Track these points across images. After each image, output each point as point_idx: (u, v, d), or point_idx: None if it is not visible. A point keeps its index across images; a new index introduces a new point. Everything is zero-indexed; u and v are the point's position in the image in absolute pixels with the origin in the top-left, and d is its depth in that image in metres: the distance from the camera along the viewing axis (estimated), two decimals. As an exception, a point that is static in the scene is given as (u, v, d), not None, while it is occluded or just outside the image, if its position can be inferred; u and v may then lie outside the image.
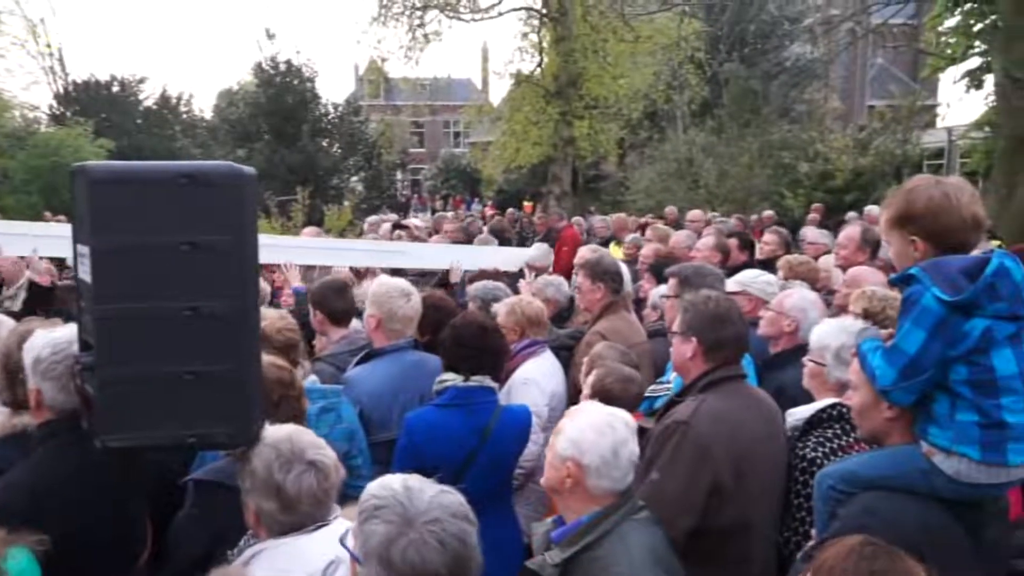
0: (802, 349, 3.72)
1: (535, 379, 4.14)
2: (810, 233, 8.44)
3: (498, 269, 6.67)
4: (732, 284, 4.49)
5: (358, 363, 3.90)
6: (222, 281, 2.09)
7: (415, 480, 1.84)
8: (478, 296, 4.99)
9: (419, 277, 6.48)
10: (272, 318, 3.58)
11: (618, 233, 10.22)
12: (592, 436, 2.41)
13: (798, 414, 3.06)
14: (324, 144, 31.16)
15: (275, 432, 2.28)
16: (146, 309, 2.05)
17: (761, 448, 2.86)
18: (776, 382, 3.73)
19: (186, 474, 2.63)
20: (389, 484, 1.82)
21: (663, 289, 4.62)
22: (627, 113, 24.17)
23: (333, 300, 4.33)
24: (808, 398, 3.17)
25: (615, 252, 9.06)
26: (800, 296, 4.11)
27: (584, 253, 5.91)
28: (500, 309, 4.42)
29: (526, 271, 6.29)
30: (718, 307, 3.00)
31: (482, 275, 6.00)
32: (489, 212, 24.15)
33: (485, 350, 3.47)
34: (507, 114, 25.97)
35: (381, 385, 3.75)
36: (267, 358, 2.77)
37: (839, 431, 2.96)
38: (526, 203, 30.94)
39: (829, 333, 3.10)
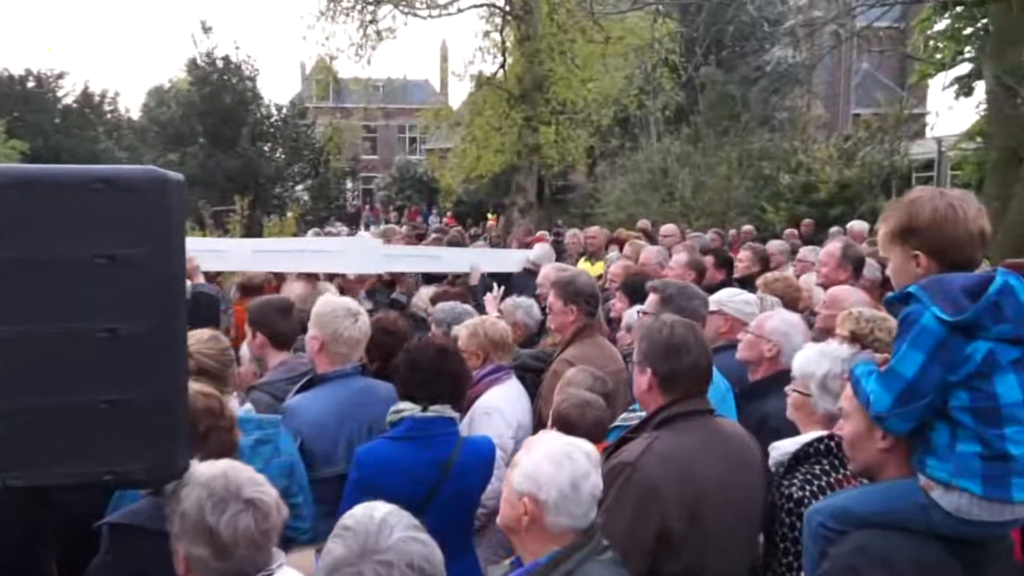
0: (785, 375, 3.71)
1: (499, 408, 4.13)
2: (802, 250, 8.51)
3: (466, 285, 6.77)
4: (710, 303, 4.50)
5: (299, 390, 3.87)
6: (143, 299, 2.06)
7: (396, 516, 1.94)
8: (442, 319, 4.96)
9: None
10: (200, 338, 3.54)
11: (596, 249, 10.22)
12: (549, 469, 2.39)
13: (783, 448, 3.05)
14: (266, 149, 31.19)
15: (207, 468, 2.25)
16: (54, 331, 2.01)
17: (722, 491, 2.83)
18: (757, 412, 3.71)
19: (102, 516, 2.56)
20: (371, 510, 1.96)
21: (640, 308, 4.65)
22: (597, 119, 24.34)
23: (277, 321, 4.30)
24: (794, 430, 3.16)
25: (589, 269, 9.03)
26: (781, 318, 4.13)
27: (550, 273, 6.00)
28: (461, 332, 4.42)
29: (494, 287, 6.31)
30: (672, 335, 2.96)
31: (445, 294, 6.02)
32: (448, 224, 24.25)
33: (444, 376, 3.46)
34: (467, 119, 25.98)
35: (324, 414, 3.71)
36: (193, 385, 2.71)
37: (827, 467, 2.95)
38: (490, 216, 31.06)
39: (812, 359, 3.10)
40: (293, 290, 6.01)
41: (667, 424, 2.91)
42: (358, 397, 3.80)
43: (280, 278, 6.60)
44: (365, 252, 6.98)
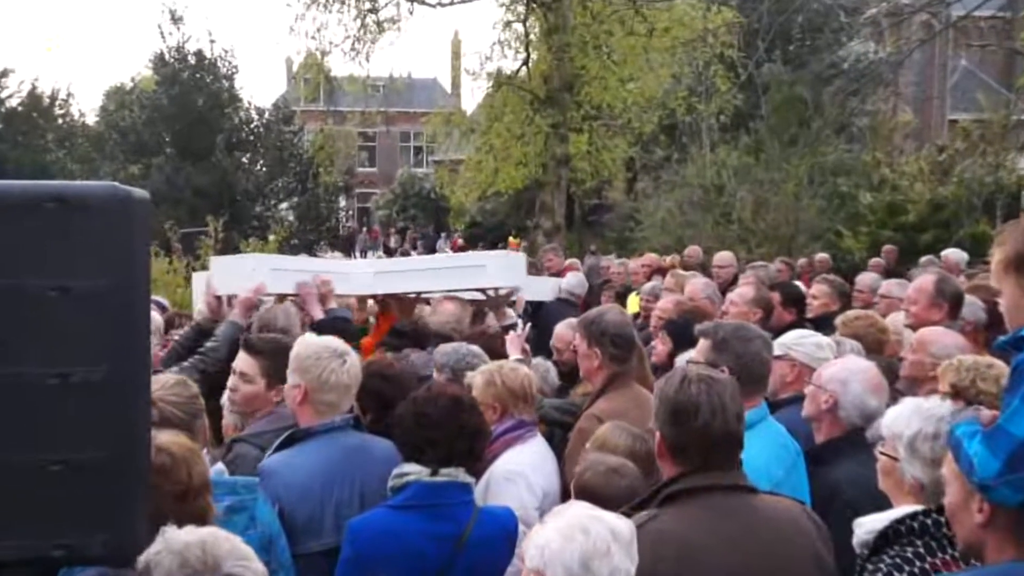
0: (857, 435, 3.71)
1: (521, 472, 4.13)
2: (886, 284, 8.41)
3: (485, 326, 6.80)
4: (775, 347, 4.46)
5: (279, 447, 3.89)
6: (102, 339, 2.06)
7: None
8: (446, 364, 4.95)
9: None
10: (163, 383, 3.57)
11: (639, 280, 10.35)
12: (558, 544, 2.40)
13: (868, 525, 3.00)
14: (244, 160, 31.60)
15: (185, 535, 2.24)
16: (-6, 376, 2.01)
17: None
18: (827, 482, 3.69)
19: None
20: None
21: (690, 356, 4.55)
22: (638, 126, 24.45)
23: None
24: (873, 502, 3.14)
25: (634, 306, 9.06)
26: (842, 364, 4.12)
27: (565, 331, 5.95)
28: (476, 380, 4.43)
29: (519, 324, 6.32)
30: (680, 392, 2.96)
31: (481, 335, 5.98)
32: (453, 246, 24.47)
33: (458, 434, 3.46)
34: (483, 125, 26.09)
35: (309, 477, 3.72)
36: (163, 436, 2.69)
37: (923, 549, 2.88)
38: (511, 240, 31.27)
39: (902, 416, 3.07)
40: (445, 311, 6.30)
41: (672, 501, 2.91)
42: (350, 456, 3.81)
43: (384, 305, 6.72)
44: (510, 267, 7.10)
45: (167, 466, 2.72)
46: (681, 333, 5.31)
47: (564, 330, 5.93)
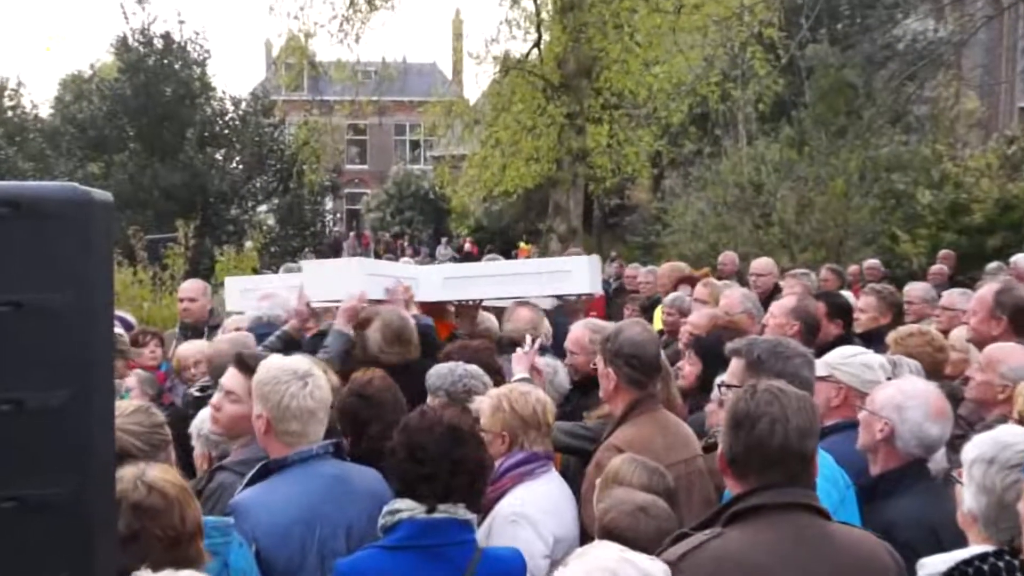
0: (918, 468, 3.75)
1: (529, 515, 4.11)
2: (948, 294, 8.48)
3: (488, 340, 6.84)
4: (819, 366, 4.43)
5: (253, 479, 3.92)
6: (59, 360, 2.07)
7: None
8: (440, 387, 4.94)
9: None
10: (122, 411, 3.59)
11: (667, 290, 10.19)
12: None
13: (931, 567, 3.03)
14: (218, 157, 31.57)
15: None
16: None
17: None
18: (880, 520, 3.68)
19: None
20: None
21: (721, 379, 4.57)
22: (665, 116, 24.13)
23: None
24: (936, 542, 3.17)
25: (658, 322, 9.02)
26: (897, 387, 4.12)
27: (581, 331, 5.82)
28: (483, 405, 4.44)
29: (527, 338, 6.25)
30: (744, 403, 3.05)
31: (464, 348, 5.89)
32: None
33: (457, 468, 3.48)
34: (489, 116, 25.97)
35: (287, 514, 3.75)
36: (155, 472, 2.77)
37: (994, 594, 2.90)
38: (521, 247, 31.42)
39: (975, 440, 3.11)
40: (521, 318, 6.70)
41: (738, 519, 2.96)
42: (332, 489, 3.86)
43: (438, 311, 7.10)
44: (593, 271, 7.45)
45: (159, 508, 2.76)
46: (712, 352, 5.26)
47: (579, 331, 5.89)
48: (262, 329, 6.60)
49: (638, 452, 4.16)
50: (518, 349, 5.73)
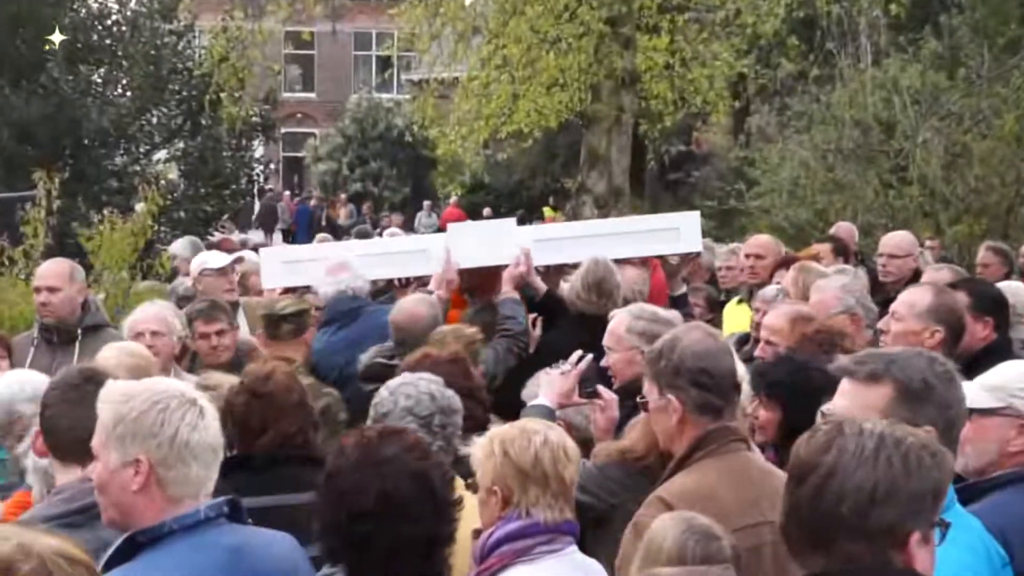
0: None
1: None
2: None
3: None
4: (981, 393, 4.17)
5: (112, 560, 3.49)
6: None
7: None
8: (388, 410, 4.75)
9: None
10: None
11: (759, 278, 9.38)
12: None
13: None
14: (97, 80, 28.56)
15: None
16: None
17: None
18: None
19: None
20: None
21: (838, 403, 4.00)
22: (753, 23, 21.35)
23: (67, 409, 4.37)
24: None
25: (739, 317, 8.74)
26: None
27: (624, 321, 5.90)
28: (476, 453, 4.22)
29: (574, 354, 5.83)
30: (807, 449, 2.83)
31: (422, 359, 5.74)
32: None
33: (405, 543, 3.45)
34: (494, 22, 22.72)
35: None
36: (50, 540, 2.45)
37: None
38: (547, 214, 29.31)
39: None
40: (629, 277, 7.32)
41: None
42: (230, 568, 3.55)
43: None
44: (697, 229, 8.39)
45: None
46: (797, 388, 5.04)
47: (622, 318, 5.82)
48: (347, 304, 7.26)
49: (694, 509, 3.86)
50: (552, 367, 5.66)
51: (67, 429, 4.11)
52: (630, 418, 5.28)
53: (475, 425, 4.90)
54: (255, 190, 36.39)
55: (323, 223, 37.23)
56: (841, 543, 2.72)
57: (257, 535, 3.76)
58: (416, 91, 33.20)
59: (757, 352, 6.53)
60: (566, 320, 7.17)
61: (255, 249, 14.10)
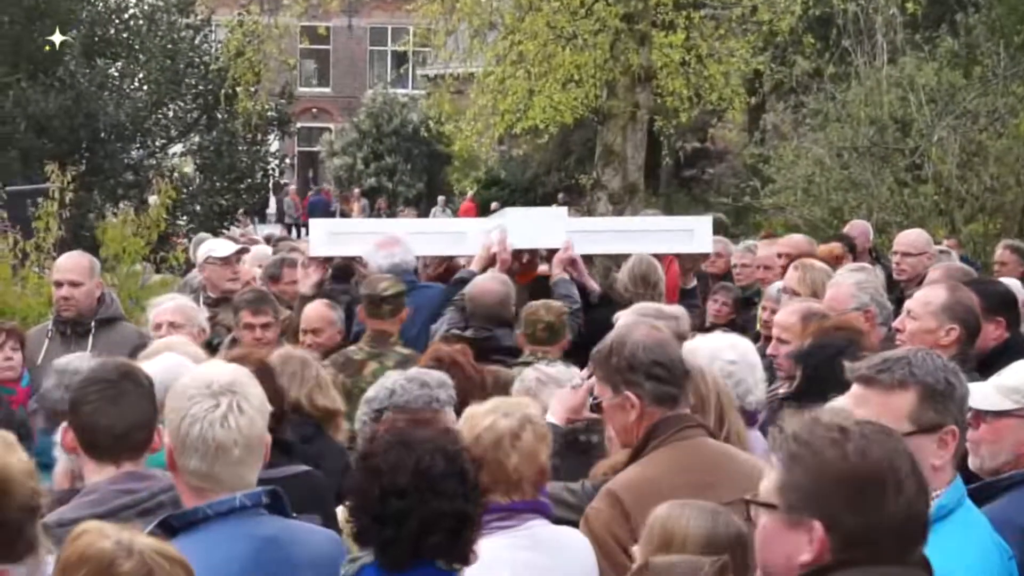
0: None
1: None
2: None
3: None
4: (995, 395, 4.21)
5: None
6: None
7: None
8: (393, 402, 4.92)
9: None
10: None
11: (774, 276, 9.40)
12: None
13: None
14: (113, 74, 28.85)
15: None
16: None
17: None
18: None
19: None
20: None
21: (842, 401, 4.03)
22: (769, 20, 21.44)
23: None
24: None
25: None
26: None
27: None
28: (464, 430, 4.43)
29: (575, 374, 6.01)
30: (864, 461, 2.72)
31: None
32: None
33: (435, 520, 3.45)
34: (510, 18, 22.82)
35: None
36: None
37: None
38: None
39: None
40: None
41: None
42: (261, 557, 3.57)
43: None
44: (709, 230, 9.20)
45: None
46: (818, 380, 5.09)
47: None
48: (407, 278, 7.66)
49: (636, 499, 4.00)
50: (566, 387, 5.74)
51: (106, 427, 4.11)
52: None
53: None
54: (270, 184, 36.87)
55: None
56: (910, 535, 2.74)
57: (295, 527, 3.78)
58: (431, 87, 33.31)
59: (769, 351, 6.51)
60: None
61: (268, 240, 14.62)
